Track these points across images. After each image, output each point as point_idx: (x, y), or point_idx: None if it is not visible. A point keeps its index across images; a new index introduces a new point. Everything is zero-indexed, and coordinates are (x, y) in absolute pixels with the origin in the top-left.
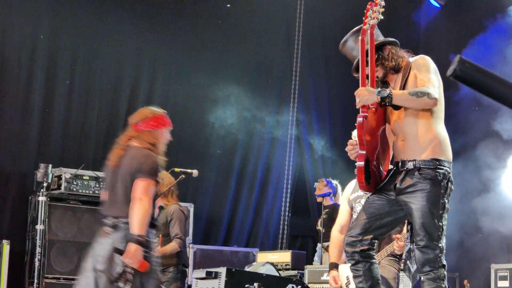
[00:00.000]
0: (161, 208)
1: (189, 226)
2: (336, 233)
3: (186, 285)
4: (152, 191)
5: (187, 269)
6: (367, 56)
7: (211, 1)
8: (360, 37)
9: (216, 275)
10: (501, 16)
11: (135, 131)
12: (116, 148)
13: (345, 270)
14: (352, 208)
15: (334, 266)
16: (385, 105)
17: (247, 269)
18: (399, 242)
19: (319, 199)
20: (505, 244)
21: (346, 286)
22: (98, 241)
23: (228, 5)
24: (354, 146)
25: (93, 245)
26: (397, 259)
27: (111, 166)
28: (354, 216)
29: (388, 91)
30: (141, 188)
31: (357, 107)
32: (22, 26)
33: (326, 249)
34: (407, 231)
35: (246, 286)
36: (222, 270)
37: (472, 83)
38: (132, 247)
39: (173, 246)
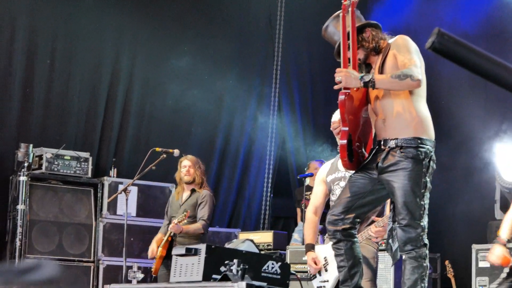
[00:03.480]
0: (193, 190)
1: None
2: (310, 214)
3: None
4: None
5: None
6: (348, 38)
7: None
8: (340, 22)
9: (196, 252)
10: None
11: None
12: None
13: (322, 251)
14: (330, 190)
15: (311, 247)
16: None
17: (227, 246)
18: (376, 227)
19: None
20: (486, 224)
21: (324, 266)
22: None
23: None
24: (339, 125)
25: None
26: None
27: None
28: (332, 198)
29: (370, 76)
30: None
31: (335, 87)
32: (1, 4)
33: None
34: (390, 210)
35: (226, 262)
36: (202, 247)
37: (450, 55)
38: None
39: (197, 226)
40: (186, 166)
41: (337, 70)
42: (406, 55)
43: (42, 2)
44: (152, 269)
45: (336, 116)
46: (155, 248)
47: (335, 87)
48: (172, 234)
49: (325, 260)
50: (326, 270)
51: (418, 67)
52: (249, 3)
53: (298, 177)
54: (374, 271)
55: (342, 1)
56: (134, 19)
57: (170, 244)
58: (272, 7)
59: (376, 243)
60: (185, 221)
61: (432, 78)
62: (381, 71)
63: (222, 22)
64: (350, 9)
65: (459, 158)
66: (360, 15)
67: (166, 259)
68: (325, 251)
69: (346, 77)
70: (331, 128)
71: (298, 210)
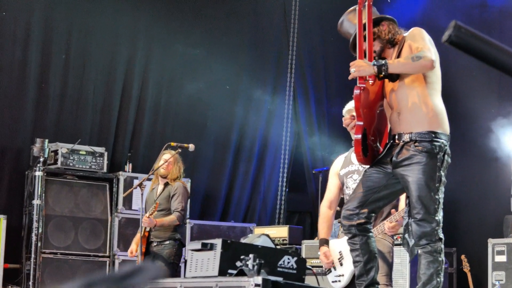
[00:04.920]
0: (166, 184)
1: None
2: (325, 208)
3: (183, 260)
4: None
5: (183, 247)
6: (364, 29)
7: None
8: (355, 16)
9: (211, 247)
10: None
11: None
12: None
13: (337, 245)
14: (343, 184)
15: (324, 242)
16: (383, 78)
17: (242, 241)
18: (390, 223)
19: None
20: (502, 218)
21: (339, 260)
22: None
23: None
24: (351, 121)
25: None
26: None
27: None
28: (347, 191)
29: (383, 60)
30: None
31: (349, 78)
32: (17, 0)
33: None
34: (406, 205)
35: (242, 257)
36: (218, 242)
37: (467, 49)
38: None
39: (171, 218)
40: (166, 160)
41: (351, 63)
42: (420, 42)
43: None
44: None
45: (347, 110)
46: (134, 248)
47: (349, 77)
48: (148, 229)
49: (340, 254)
50: (341, 265)
51: (432, 52)
52: None
53: (313, 172)
54: (389, 266)
55: (358, 2)
56: (149, 13)
57: (148, 240)
58: (287, 1)
59: (392, 238)
60: (156, 212)
61: (447, 71)
62: None
63: (237, 15)
64: (366, 3)
65: (474, 152)
66: (375, 11)
67: (147, 256)
68: (340, 245)
69: (359, 66)
70: (343, 125)
71: None
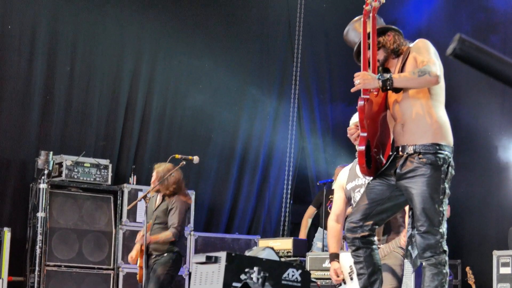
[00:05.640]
0: (164, 196)
1: (190, 213)
2: (332, 223)
3: (185, 271)
4: None
5: (183, 257)
6: (369, 39)
7: None
8: (361, 25)
9: (216, 260)
10: None
11: None
12: None
13: (347, 259)
14: (350, 198)
15: (335, 256)
16: (386, 89)
17: (247, 253)
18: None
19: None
20: (506, 230)
21: (350, 275)
22: None
23: None
24: (355, 130)
25: None
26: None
27: None
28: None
29: (388, 74)
30: None
31: (352, 90)
32: (22, 11)
33: None
34: (409, 217)
35: (246, 270)
36: (222, 255)
37: (471, 62)
38: None
39: (167, 235)
40: (153, 178)
41: (355, 74)
42: (426, 55)
43: (63, 9)
44: (137, 278)
45: (353, 123)
46: (134, 254)
47: (353, 89)
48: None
49: (351, 269)
50: (351, 279)
51: (436, 66)
52: (268, 9)
53: (318, 184)
54: (399, 279)
55: (364, 6)
56: (154, 26)
57: (147, 253)
58: (291, 12)
59: (403, 250)
60: (149, 233)
61: (450, 81)
62: None
63: (242, 26)
64: (371, 14)
65: (478, 163)
66: (382, 22)
67: (146, 268)
68: (351, 259)
69: (364, 78)
70: (348, 135)
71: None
